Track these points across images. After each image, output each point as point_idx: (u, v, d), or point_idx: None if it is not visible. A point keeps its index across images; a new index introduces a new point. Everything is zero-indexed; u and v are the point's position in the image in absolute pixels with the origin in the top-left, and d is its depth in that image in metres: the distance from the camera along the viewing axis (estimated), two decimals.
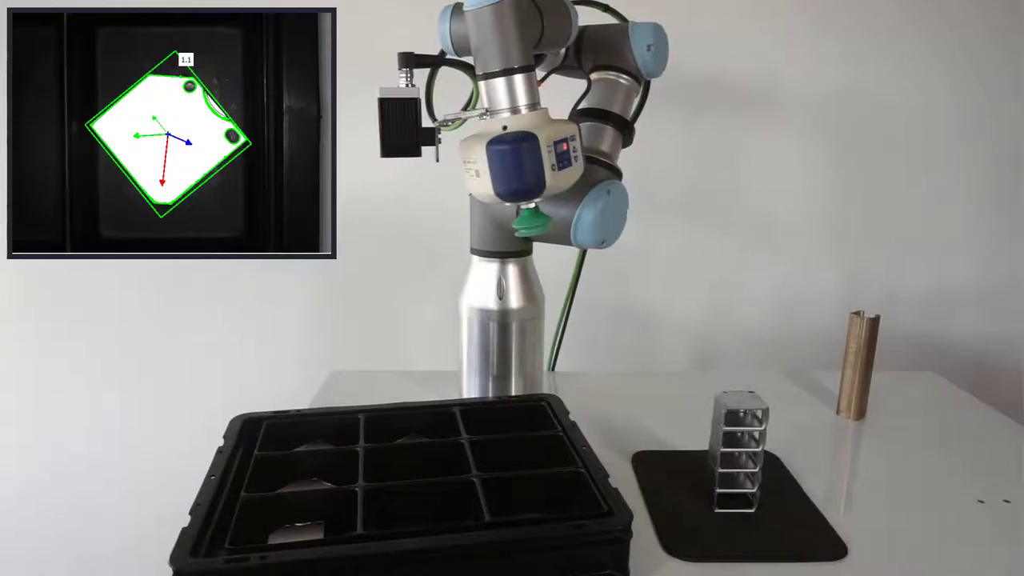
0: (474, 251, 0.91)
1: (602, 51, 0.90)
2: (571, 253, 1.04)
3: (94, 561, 1.51)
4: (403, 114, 0.72)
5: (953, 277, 1.44)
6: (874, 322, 0.95)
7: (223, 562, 0.56)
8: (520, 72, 0.68)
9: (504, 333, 0.90)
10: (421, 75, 0.80)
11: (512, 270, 0.90)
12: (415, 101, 0.73)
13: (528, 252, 0.92)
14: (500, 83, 0.69)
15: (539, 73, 0.79)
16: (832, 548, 0.69)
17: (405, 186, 1.34)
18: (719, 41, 1.32)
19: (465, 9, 0.68)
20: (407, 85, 0.74)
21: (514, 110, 0.69)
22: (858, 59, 1.33)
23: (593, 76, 0.90)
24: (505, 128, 0.68)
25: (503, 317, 0.90)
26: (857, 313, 0.96)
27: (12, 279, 1.38)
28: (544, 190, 0.68)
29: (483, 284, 0.90)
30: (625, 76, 0.89)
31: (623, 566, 0.62)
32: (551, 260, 1.00)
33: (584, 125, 0.85)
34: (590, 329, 1.40)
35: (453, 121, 0.77)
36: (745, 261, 1.43)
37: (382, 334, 1.43)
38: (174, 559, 0.55)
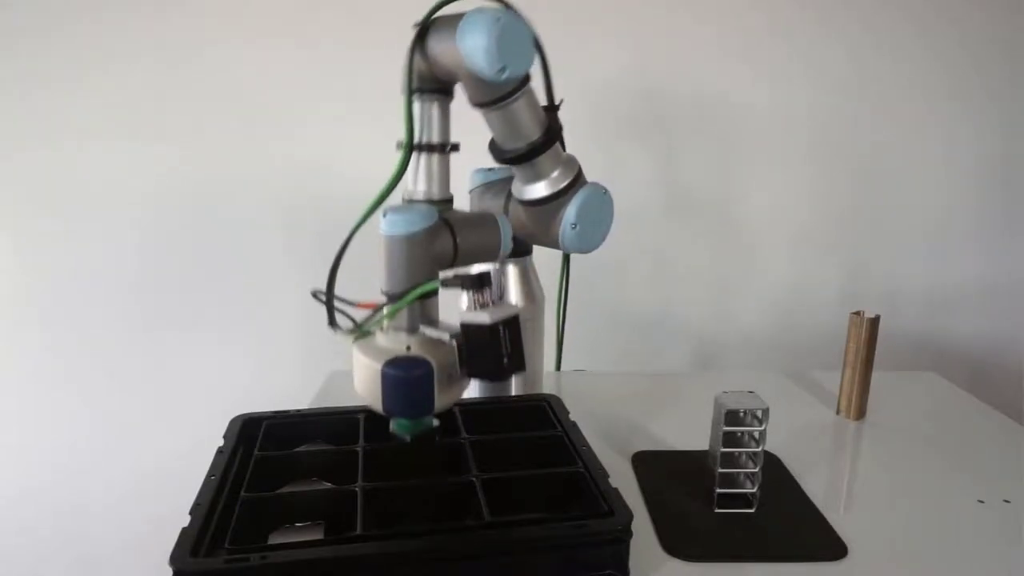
0: None
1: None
2: (556, 256, 1.04)
3: (94, 561, 1.52)
4: (513, 335, 0.65)
5: (953, 277, 1.44)
6: (874, 322, 0.95)
7: (223, 562, 0.56)
8: (430, 296, 0.65)
9: None
10: None
11: (512, 270, 0.90)
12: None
13: (528, 252, 0.92)
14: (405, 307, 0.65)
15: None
16: (832, 548, 0.69)
17: (405, 185, 1.34)
18: (718, 40, 1.32)
19: (380, 232, 0.65)
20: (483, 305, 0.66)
21: (401, 330, 0.65)
22: (858, 58, 1.33)
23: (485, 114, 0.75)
24: (408, 348, 0.64)
25: None
26: (857, 313, 0.96)
27: (12, 279, 1.38)
28: (430, 414, 0.65)
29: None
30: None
31: (623, 566, 0.62)
32: (551, 260, 1.00)
33: (521, 169, 0.76)
34: (590, 329, 1.40)
35: (359, 327, 0.68)
36: (745, 261, 1.43)
37: None
38: (174, 559, 0.55)
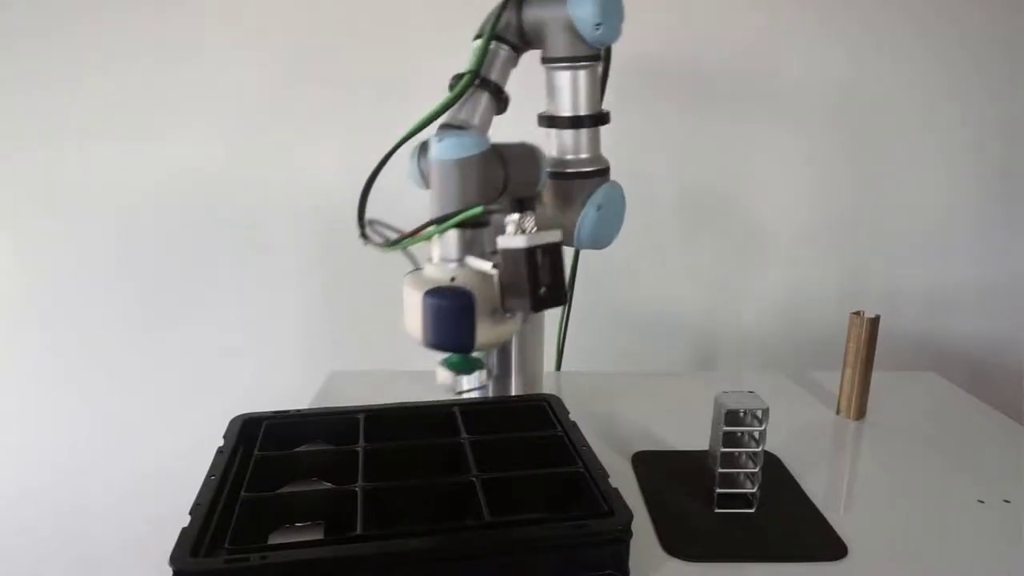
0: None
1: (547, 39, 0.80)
2: (568, 253, 1.04)
3: (94, 561, 1.52)
4: (553, 262, 0.63)
5: (953, 277, 1.44)
6: (874, 322, 0.95)
7: (223, 562, 0.56)
8: (479, 227, 0.65)
9: None
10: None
11: None
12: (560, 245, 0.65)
13: None
14: (454, 233, 0.65)
15: None
16: (832, 548, 0.69)
17: (405, 185, 1.34)
18: (718, 41, 1.32)
19: (431, 158, 0.66)
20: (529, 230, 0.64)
21: (452, 261, 0.65)
22: (858, 58, 1.33)
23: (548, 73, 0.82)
24: (453, 280, 0.64)
25: None
26: (857, 313, 0.96)
27: (12, 279, 1.38)
28: (471, 350, 0.65)
29: None
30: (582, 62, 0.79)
31: (623, 566, 0.62)
32: None
33: (561, 135, 0.81)
34: (590, 329, 1.40)
35: (403, 240, 0.68)
36: (745, 261, 1.43)
37: (382, 334, 1.43)
38: (174, 559, 0.55)
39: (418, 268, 0.69)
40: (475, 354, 0.67)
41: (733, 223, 1.41)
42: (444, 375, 0.69)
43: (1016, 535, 0.72)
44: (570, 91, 0.78)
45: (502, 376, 0.92)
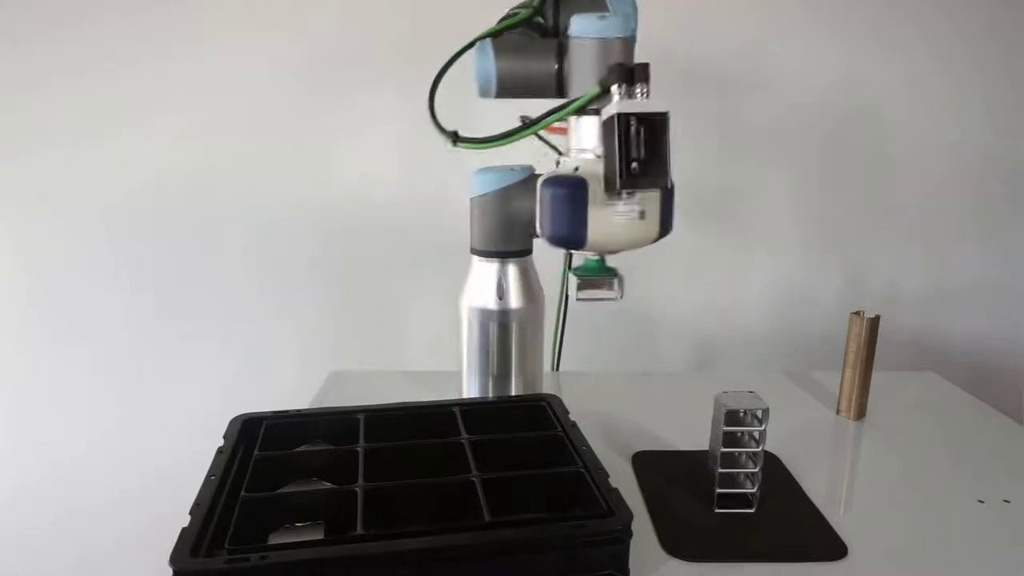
0: (474, 251, 0.91)
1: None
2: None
3: (94, 561, 1.52)
4: (651, 136, 0.58)
5: (953, 277, 1.44)
6: (874, 322, 0.95)
7: (223, 562, 0.56)
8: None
9: (504, 333, 0.90)
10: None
11: (512, 270, 0.90)
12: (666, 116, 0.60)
13: (528, 252, 0.92)
14: (592, 121, 0.62)
15: None
16: (832, 548, 0.69)
17: (405, 185, 1.34)
18: (718, 40, 1.32)
19: (572, 36, 0.63)
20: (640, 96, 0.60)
21: (587, 151, 0.63)
22: (857, 57, 1.33)
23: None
24: (576, 170, 0.62)
25: (503, 317, 0.90)
26: (857, 313, 0.96)
27: (12, 280, 1.38)
28: (583, 244, 0.63)
29: (483, 284, 0.90)
30: None
31: (623, 566, 0.62)
32: (552, 261, 1.00)
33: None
34: (590, 329, 1.40)
35: (535, 123, 0.66)
36: (745, 261, 1.43)
37: (382, 334, 1.43)
38: (174, 559, 0.55)
39: (455, 140, 0.70)
40: (608, 264, 0.64)
41: (733, 223, 1.41)
42: (576, 286, 0.66)
43: (1016, 535, 0.72)
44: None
45: (502, 376, 0.92)
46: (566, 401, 0.83)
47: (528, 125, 0.66)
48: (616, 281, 0.67)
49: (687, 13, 1.30)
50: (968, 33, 1.33)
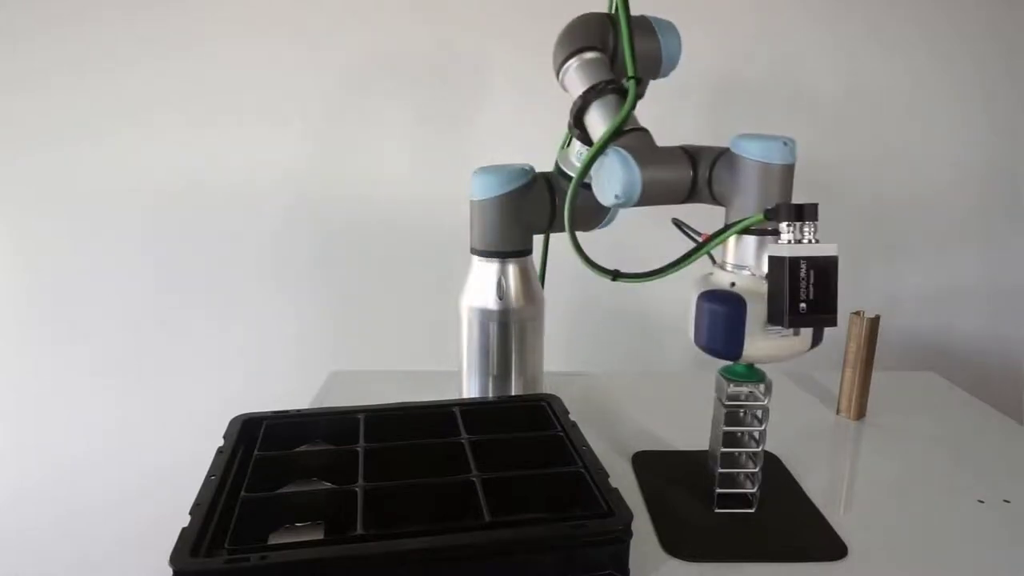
0: (474, 251, 0.91)
1: None
2: (569, 252, 1.04)
3: (94, 561, 1.51)
4: (822, 279, 0.62)
5: (953, 277, 1.44)
6: (874, 322, 0.95)
7: (223, 562, 0.56)
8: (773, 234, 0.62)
9: (504, 333, 0.90)
10: None
11: (512, 270, 0.90)
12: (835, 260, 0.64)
13: (528, 252, 0.92)
14: (752, 240, 0.64)
15: None
16: (832, 548, 0.69)
17: (405, 185, 1.34)
18: (718, 40, 1.32)
19: (747, 156, 0.66)
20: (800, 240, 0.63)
21: (744, 268, 0.65)
22: (857, 58, 1.33)
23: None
24: (732, 285, 0.64)
25: (503, 317, 0.90)
26: (857, 313, 0.96)
27: (12, 280, 1.38)
28: (738, 358, 0.64)
29: (483, 284, 0.90)
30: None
31: (623, 566, 0.62)
32: (551, 260, 1.00)
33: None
34: (590, 329, 1.40)
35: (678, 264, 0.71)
36: None
37: (382, 334, 1.43)
38: (174, 559, 0.55)
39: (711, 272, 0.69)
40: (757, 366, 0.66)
41: None
42: (721, 382, 0.69)
43: (1016, 535, 0.72)
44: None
45: (502, 376, 0.92)
46: (566, 401, 0.83)
47: (696, 249, 0.70)
48: (764, 386, 0.69)
49: (687, 13, 1.30)
50: (968, 33, 1.33)
